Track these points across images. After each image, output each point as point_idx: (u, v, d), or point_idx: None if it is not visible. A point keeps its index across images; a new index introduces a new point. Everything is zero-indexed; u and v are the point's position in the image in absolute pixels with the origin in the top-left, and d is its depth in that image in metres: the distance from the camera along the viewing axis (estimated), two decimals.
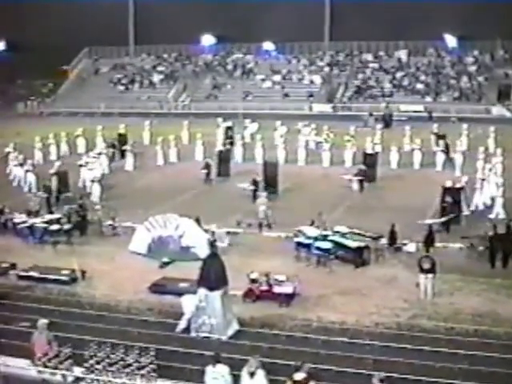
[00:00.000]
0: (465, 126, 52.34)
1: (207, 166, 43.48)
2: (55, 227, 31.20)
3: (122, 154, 50.72)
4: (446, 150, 46.53)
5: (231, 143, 52.44)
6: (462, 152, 44.70)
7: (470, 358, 19.15)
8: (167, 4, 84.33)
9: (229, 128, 56.76)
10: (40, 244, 30.75)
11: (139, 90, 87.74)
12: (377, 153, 45.21)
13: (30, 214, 32.89)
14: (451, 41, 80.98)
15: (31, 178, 42.12)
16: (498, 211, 34.03)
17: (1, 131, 57.56)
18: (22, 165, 43.97)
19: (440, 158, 45.69)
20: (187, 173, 45.18)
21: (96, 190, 38.91)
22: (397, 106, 73.61)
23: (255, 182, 38.60)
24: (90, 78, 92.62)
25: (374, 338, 20.77)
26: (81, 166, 42.63)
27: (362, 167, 41.68)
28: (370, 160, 42.82)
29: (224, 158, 45.79)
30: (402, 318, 22.29)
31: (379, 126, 57.85)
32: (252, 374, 16.25)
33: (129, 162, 48.98)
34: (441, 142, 47.14)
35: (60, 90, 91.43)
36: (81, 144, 53.18)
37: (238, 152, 50.04)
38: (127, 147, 49.88)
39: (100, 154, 47.48)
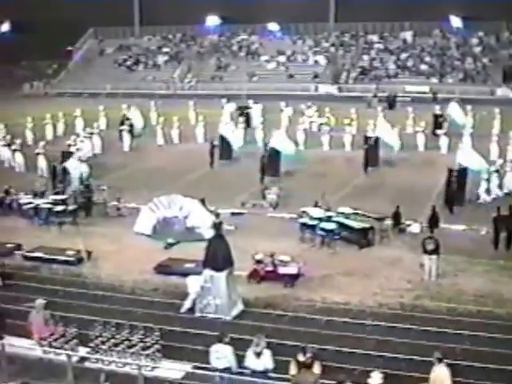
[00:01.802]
0: (469, 107, 52.09)
1: (213, 148, 43.30)
2: (60, 208, 31.30)
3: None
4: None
5: (248, 125, 52.25)
6: (470, 134, 44.48)
7: (473, 338, 19.28)
8: None
9: (245, 107, 56.38)
10: (45, 225, 30.89)
11: (144, 71, 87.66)
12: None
13: (36, 194, 32.97)
14: (456, 22, 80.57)
15: (19, 158, 42.49)
16: None
17: (6, 112, 57.56)
18: (9, 145, 44.23)
19: (444, 141, 45.21)
20: (190, 154, 45.14)
21: (83, 170, 39.00)
22: (402, 87, 73.54)
23: (263, 166, 38.50)
24: (95, 59, 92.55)
25: (377, 319, 20.87)
26: (69, 145, 42.73)
27: (367, 145, 41.47)
28: (371, 143, 42.23)
29: (226, 140, 45.41)
30: (406, 299, 22.39)
31: (380, 107, 57.31)
32: (258, 354, 16.35)
33: (125, 143, 49.05)
34: (445, 124, 46.80)
35: (65, 70, 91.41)
36: (79, 124, 52.65)
37: (238, 134, 49.48)
38: (124, 127, 49.68)
39: (92, 134, 47.73)
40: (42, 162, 40.49)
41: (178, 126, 50.26)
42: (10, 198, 32.93)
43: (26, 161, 42.10)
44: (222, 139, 44.89)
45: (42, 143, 42.56)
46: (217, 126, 48.46)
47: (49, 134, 51.61)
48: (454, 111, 50.37)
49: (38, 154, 40.99)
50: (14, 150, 43.06)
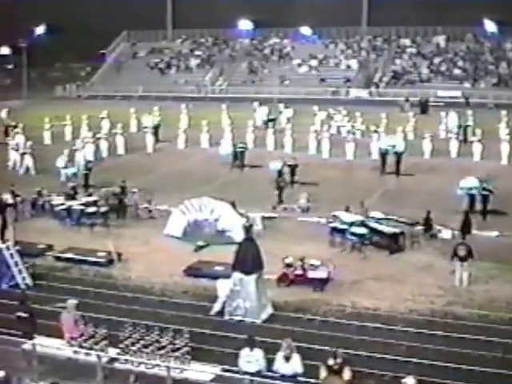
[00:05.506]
0: (504, 112, 51.51)
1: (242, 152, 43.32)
2: (92, 210, 31.46)
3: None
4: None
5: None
6: (508, 141, 43.94)
7: (505, 345, 19.06)
8: None
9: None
10: (77, 226, 31.07)
11: (176, 74, 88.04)
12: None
13: (68, 196, 33.17)
14: (490, 26, 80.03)
15: (15, 156, 43.24)
16: None
17: (38, 114, 58.06)
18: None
19: (477, 147, 44.58)
20: (218, 158, 45.03)
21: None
22: (434, 92, 73.26)
23: (292, 168, 38.42)
24: (128, 62, 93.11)
25: (407, 325, 20.69)
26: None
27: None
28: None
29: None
30: (437, 305, 22.20)
31: (411, 112, 56.62)
32: (287, 359, 16.29)
33: (149, 145, 49.33)
34: (478, 131, 46.26)
35: (98, 73, 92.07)
36: (105, 126, 52.62)
37: (269, 139, 49.24)
38: (147, 129, 49.99)
39: (116, 133, 48.57)
40: (28, 161, 41.87)
41: (207, 130, 50.16)
42: (42, 200, 33.19)
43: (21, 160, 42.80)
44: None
45: (29, 143, 43.48)
46: (245, 130, 48.44)
47: (68, 136, 52.07)
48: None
49: (24, 153, 42.22)
50: (11, 148, 44.01)
